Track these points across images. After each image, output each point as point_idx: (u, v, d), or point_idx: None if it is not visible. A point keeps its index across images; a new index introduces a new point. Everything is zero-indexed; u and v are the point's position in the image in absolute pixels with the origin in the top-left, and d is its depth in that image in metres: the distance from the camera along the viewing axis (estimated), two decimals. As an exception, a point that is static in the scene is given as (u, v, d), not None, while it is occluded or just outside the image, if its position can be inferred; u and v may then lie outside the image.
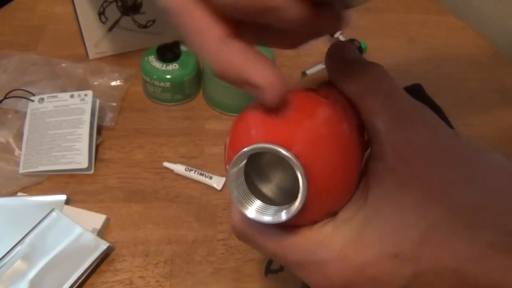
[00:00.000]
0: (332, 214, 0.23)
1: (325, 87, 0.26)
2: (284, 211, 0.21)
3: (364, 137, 0.24)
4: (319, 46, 0.52)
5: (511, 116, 0.70)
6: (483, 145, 0.22)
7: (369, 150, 0.24)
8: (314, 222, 0.23)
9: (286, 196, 0.24)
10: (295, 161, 0.20)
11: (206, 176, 0.57)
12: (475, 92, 0.73)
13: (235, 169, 0.21)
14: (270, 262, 0.50)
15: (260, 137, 0.21)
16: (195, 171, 0.57)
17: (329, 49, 0.26)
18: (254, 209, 0.22)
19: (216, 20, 0.19)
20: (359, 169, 0.23)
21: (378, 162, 0.22)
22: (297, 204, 0.20)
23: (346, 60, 0.25)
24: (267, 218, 0.22)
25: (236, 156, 0.21)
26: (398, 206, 0.21)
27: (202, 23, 0.19)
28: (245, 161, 0.21)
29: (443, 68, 0.76)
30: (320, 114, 0.22)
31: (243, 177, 0.22)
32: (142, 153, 0.60)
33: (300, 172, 0.20)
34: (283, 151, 0.20)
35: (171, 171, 0.58)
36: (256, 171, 0.25)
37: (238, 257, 0.51)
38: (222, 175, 0.57)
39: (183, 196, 0.56)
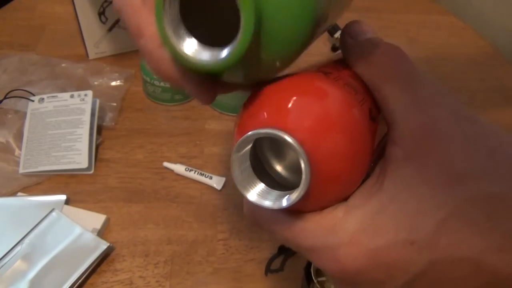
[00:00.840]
0: (342, 199, 0.23)
1: (337, 68, 0.25)
2: (286, 197, 0.21)
3: (377, 121, 0.24)
4: (319, 46, 0.52)
5: (511, 116, 0.70)
6: (504, 132, 0.22)
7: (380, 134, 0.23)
8: (323, 208, 0.23)
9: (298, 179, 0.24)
10: (297, 147, 0.19)
11: (206, 176, 0.57)
12: (475, 92, 0.73)
13: (239, 154, 0.21)
14: (270, 262, 0.50)
15: (265, 121, 0.21)
16: (195, 171, 0.57)
17: (344, 27, 0.25)
18: (256, 193, 0.22)
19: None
20: (369, 155, 0.22)
21: (396, 147, 0.22)
22: (298, 191, 0.20)
23: (361, 41, 0.24)
24: (267, 203, 0.21)
25: (239, 141, 0.20)
26: (416, 194, 0.20)
27: (142, 19, 0.21)
28: (250, 145, 0.21)
29: (443, 68, 0.76)
30: (328, 98, 0.21)
31: (248, 162, 0.22)
32: (142, 153, 0.60)
33: (303, 159, 0.19)
34: (286, 137, 0.19)
35: (171, 171, 0.58)
36: (273, 151, 0.24)
37: (238, 257, 0.51)
38: (222, 175, 0.57)
39: (183, 196, 0.56)
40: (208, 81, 0.23)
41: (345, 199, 0.23)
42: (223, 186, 0.56)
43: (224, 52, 0.18)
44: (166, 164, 0.58)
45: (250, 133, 0.20)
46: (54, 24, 0.76)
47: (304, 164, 0.19)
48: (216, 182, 0.56)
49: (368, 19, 0.82)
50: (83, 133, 0.57)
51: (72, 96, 0.60)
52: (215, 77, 0.23)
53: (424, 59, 0.77)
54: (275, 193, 0.22)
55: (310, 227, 0.22)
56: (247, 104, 0.23)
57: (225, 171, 0.58)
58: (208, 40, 0.20)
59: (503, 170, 0.20)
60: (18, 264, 0.46)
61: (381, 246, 0.21)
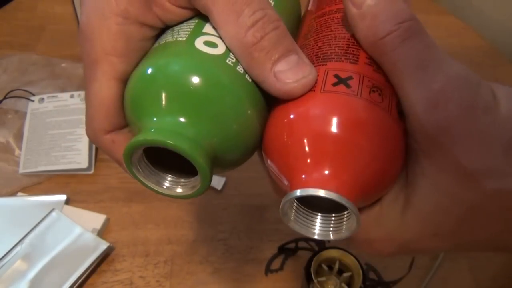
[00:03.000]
0: (379, 199, 0.24)
1: (353, 48, 0.23)
2: (345, 229, 0.22)
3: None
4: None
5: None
6: None
7: None
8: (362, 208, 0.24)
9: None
10: (350, 206, 0.20)
11: (206, 176, 0.57)
12: (475, 92, 0.73)
13: (291, 214, 0.22)
14: (270, 262, 0.50)
15: (311, 180, 0.21)
16: (195, 171, 0.57)
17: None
18: (318, 230, 0.22)
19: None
20: (404, 157, 0.22)
21: (412, 141, 0.22)
22: (354, 224, 0.21)
23: (367, 14, 0.21)
24: (333, 236, 0.22)
25: (282, 207, 0.21)
26: (436, 188, 0.21)
27: (114, 152, 0.25)
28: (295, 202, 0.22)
29: (443, 68, 0.76)
30: (363, 133, 0.21)
31: (294, 211, 0.22)
32: (142, 153, 0.60)
33: (353, 212, 0.20)
34: (341, 201, 0.20)
35: (171, 171, 0.58)
36: None
37: (238, 257, 0.51)
38: (222, 175, 0.57)
39: (183, 196, 0.56)
40: None
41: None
42: (223, 186, 0.56)
43: (193, 189, 0.22)
44: (166, 164, 0.58)
45: (298, 194, 0.20)
46: (54, 24, 0.76)
47: (354, 214, 0.20)
48: (216, 182, 0.56)
49: (368, 19, 0.82)
50: (83, 133, 0.57)
51: (72, 96, 0.60)
52: None
53: (424, 59, 0.77)
54: (333, 220, 0.22)
55: None
56: (276, 145, 0.22)
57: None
58: (179, 167, 0.23)
59: None
60: (18, 264, 0.46)
61: (410, 239, 0.23)
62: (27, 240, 0.48)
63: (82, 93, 0.60)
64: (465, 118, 0.20)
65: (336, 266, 0.43)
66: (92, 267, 0.47)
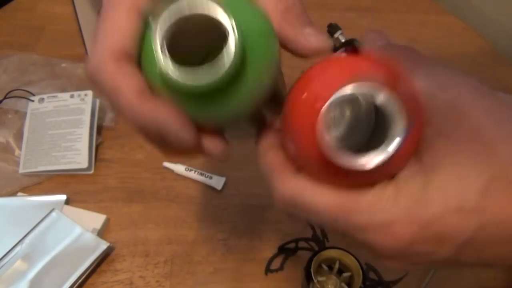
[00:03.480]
0: (392, 176, 0.23)
1: None
2: (390, 145, 0.21)
3: None
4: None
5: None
6: None
7: None
8: (375, 183, 0.23)
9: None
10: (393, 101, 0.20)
11: (206, 176, 0.57)
12: (475, 92, 0.73)
13: (329, 126, 0.21)
14: (270, 262, 0.50)
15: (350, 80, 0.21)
16: (195, 171, 0.57)
17: (365, 36, 0.28)
18: (371, 157, 0.21)
19: (132, 75, 0.23)
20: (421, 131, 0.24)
21: (425, 128, 0.23)
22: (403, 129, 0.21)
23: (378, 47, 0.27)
24: (378, 158, 0.21)
25: (327, 105, 0.21)
26: (455, 162, 0.22)
27: (118, 78, 0.23)
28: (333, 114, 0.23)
29: (443, 68, 0.76)
30: (390, 65, 0.23)
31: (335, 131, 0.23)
32: (142, 153, 0.60)
33: (397, 109, 0.21)
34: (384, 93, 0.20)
35: (171, 171, 0.58)
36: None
37: (238, 257, 0.51)
38: (222, 175, 0.57)
39: (183, 196, 0.56)
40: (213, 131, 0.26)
41: (394, 176, 0.23)
42: (223, 186, 0.56)
43: (218, 71, 0.21)
44: (166, 164, 0.58)
45: (347, 90, 0.21)
46: (54, 24, 0.76)
47: (399, 112, 0.21)
48: (216, 182, 0.56)
49: (368, 19, 0.82)
50: (83, 133, 0.57)
51: (72, 96, 0.60)
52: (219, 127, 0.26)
53: (424, 59, 0.77)
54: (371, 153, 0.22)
55: (363, 204, 0.23)
56: (318, 73, 0.24)
57: (225, 171, 0.58)
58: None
59: None
60: (18, 264, 0.46)
61: (432, 216, 0.22)
62: (27, 240, 0.48)
63: (82, 93, 0.60)
64: (473, 95, 0.23)
65: (336, 266, 0.43)
66: (92, 267, 0.47)
